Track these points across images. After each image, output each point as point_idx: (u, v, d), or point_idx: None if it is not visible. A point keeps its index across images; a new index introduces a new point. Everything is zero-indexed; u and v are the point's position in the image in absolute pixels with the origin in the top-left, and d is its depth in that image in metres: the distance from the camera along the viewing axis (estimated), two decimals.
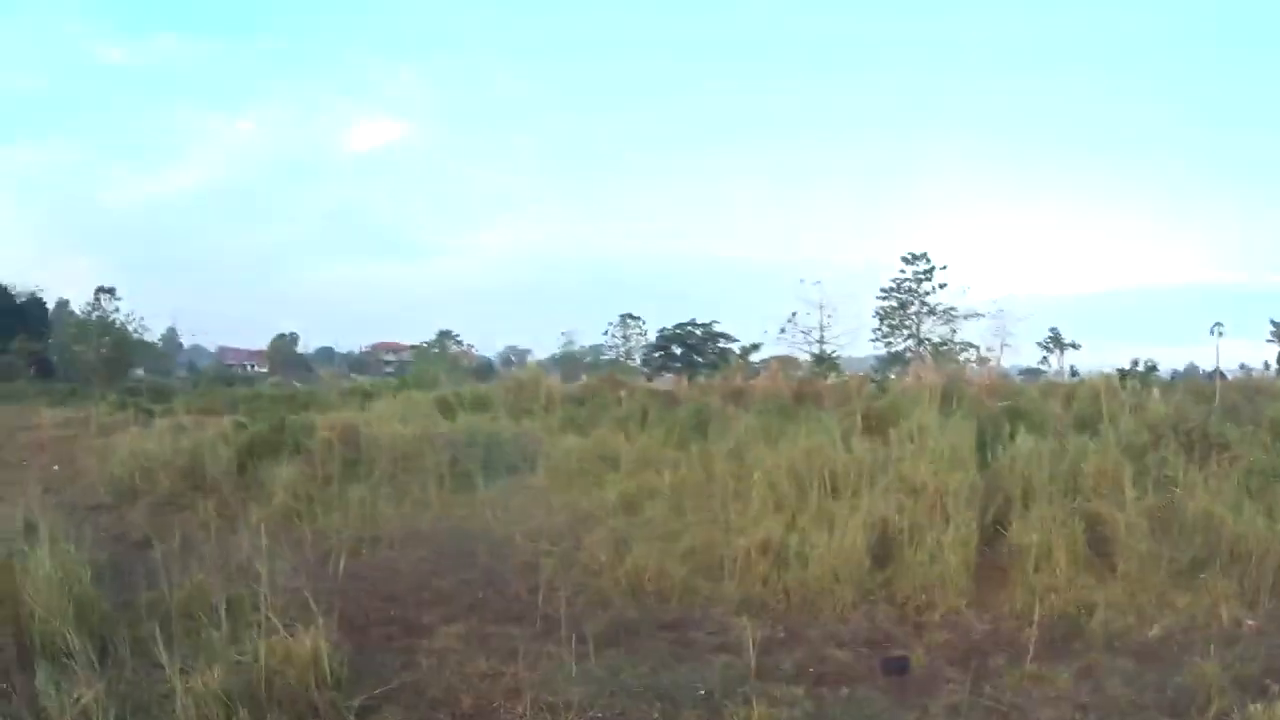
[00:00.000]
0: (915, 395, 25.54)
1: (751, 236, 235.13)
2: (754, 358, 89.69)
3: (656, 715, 9.20)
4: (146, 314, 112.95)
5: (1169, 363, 79.72)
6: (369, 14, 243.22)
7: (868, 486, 15.97)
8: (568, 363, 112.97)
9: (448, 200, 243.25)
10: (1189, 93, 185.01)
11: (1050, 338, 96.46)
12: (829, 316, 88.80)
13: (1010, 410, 24.19)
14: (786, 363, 59.35)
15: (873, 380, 43.61)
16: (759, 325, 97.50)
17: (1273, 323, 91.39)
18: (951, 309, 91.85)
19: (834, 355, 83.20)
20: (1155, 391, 28.79)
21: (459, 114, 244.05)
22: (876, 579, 13.46)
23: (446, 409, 31.67)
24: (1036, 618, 11.42)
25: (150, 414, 42.87)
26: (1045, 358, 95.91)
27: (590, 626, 11.45)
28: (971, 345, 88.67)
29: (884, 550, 14.05)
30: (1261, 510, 14.93)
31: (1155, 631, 11.93)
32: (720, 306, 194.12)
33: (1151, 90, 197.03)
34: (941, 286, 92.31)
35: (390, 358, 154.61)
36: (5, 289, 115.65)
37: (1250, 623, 12.32)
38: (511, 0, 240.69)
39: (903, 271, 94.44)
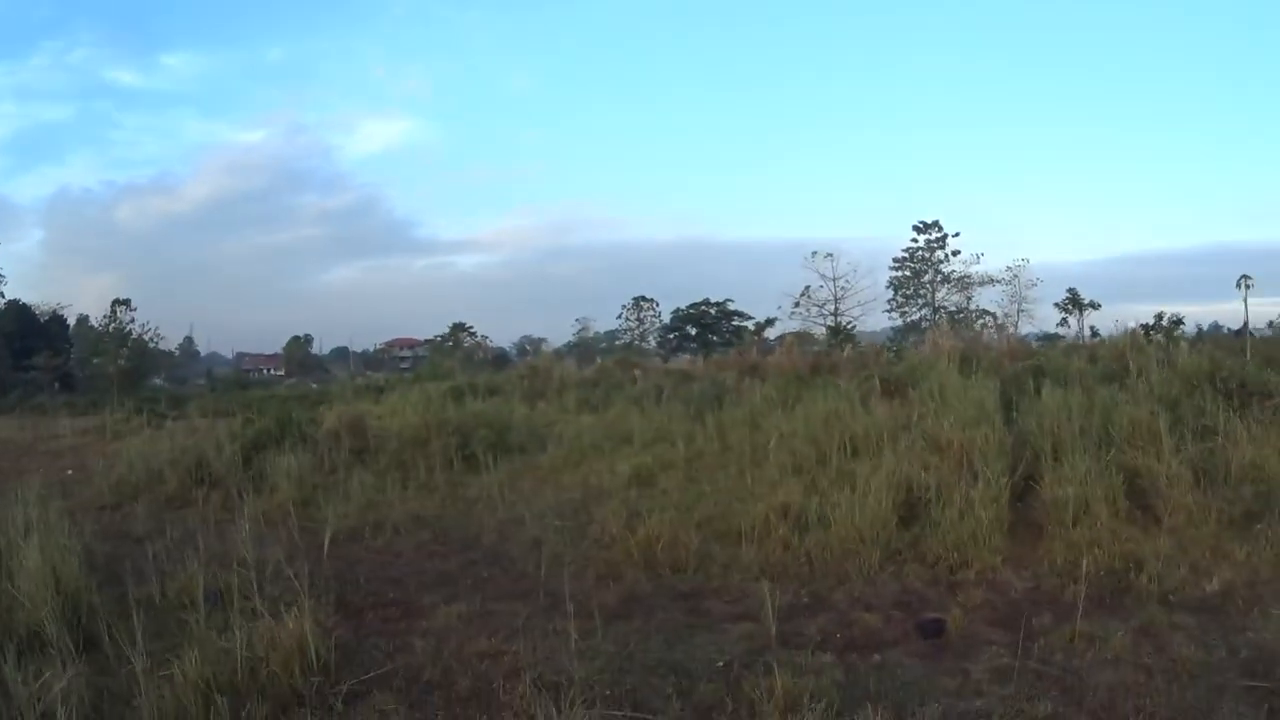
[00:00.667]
0: (934, 360, 24.83)
1: (763, 217, 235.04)
2: (769, 334, 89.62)
3: (669, 690, 8.54)
4: (163, 324, 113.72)
5: (1193, 321, 79.33)
6: (371, 15, 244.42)
7: (890, 447, 15.37)
8: (583, 349, 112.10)
9: (458, 195, 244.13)
10: (1201, 54, 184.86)
11: (1068, 299, 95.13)
12: (843, 289, 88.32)
13: (1033, 369, 23.28)
14: (802, 337, 58.95)
15: (890, 349, 42.95)
16: (774, 302, 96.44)
17: None
18: (966, 277, 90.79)
19: (850, 327, 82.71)
20: (1183, 345, 28.00)
21: (466, 110, 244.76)
22: (904, 538, 12.74)
23: (459, 397, 31.19)
24: (1083, 573, 10.64)
25: (164, 418, 42.69)
26: (1065, 319, 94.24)
27: (600, 600, 10.89)
28: (988, 313, 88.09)
29: (910, 509, 13.39)
30: None
31: (1214, 586, 11.12)
32: (734, 287, 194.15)
33: (1164, 50, 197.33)
34: (955, 254, 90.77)
35: (406, 354, 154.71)
36: (29, 308, 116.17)
37: None
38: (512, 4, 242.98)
39: (915, 240, 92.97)
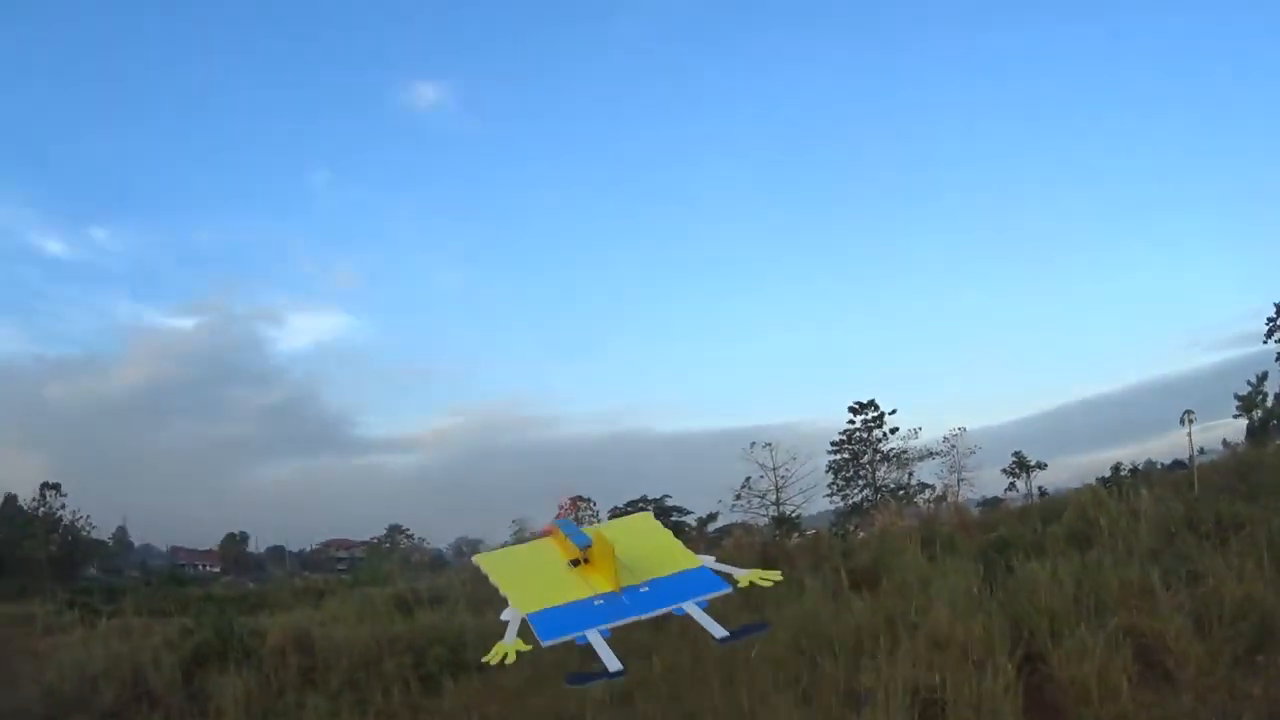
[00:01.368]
0: (898, 545, 24.35)
1: (693, 409, 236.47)
2: (711, 528, 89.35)
3: None
4: (95, 512, 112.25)
5: (1128, 461, 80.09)
6: (299, 203, 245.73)
7: (884, 648, 14.47)
8: None
9: (391, 392, 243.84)
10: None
11: (1015, 462, 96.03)
12: (783, 478, 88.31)
13: (999, 541, 23.33)
14: (747, 530, 58.48)
15: (837, 534, 42.32)
16: (712, 495, 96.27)
17: (1237, 397, 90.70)
18: (904, 452, 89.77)
19: (794, 515, 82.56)
20: (1144, 492, 27.86)
21: (396, 306, 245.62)
22: None
23: (403, 606, 30.38)
24: None
25: (98, 614, 41.45)
26: (1012, 483, 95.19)
27: None
28: (928, 486, 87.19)
29: (924, 714, 12.66)
30: None
31: None
32: (670, 481, 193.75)
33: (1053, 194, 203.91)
34: (892, 431, 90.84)
35: (343, 555, 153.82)
36: None
37: None
38: (439, 198, 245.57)
39: (851, 422, 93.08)
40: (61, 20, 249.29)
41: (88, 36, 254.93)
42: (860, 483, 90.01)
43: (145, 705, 18.84)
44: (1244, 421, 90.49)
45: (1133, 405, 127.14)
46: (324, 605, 36.60)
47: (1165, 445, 75.29)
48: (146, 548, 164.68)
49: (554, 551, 6.20)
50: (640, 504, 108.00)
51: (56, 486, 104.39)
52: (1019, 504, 63.26)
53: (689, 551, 6.29)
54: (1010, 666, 12.96)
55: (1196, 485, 32.13)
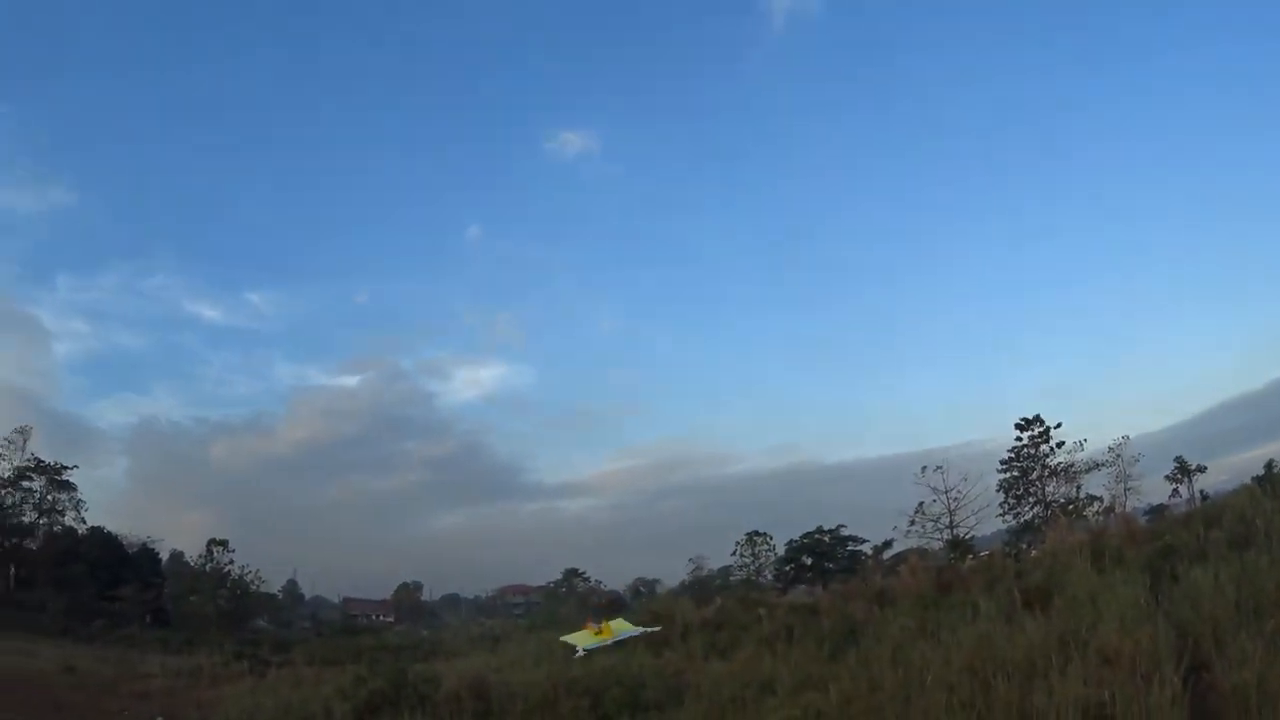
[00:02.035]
0: (1066, 560, 24.43)
1: (861, 437, 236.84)
2: (887, 555, 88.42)
3: None
4: (264, 565, 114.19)
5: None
6: (456, 259, 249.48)
7: (1056, 667, 14.26)
8: (699, 588, 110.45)
9: (559, 438, 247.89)
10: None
11: (1177, 468, 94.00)
12: (955, 500, 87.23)
13: (1165, 549, 22.92)
14: (922, 555, 57.75)
15: (1010, 554, 41.57)
16: (885, 522, 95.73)
17: None
18: (1071, 466, 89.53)
19: (968, 537, 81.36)
20: None
21: (558, 353, 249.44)
22: None
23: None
24: None
25: (267, 664, 41.66)
26: (1175, 489, 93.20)
27: None
28: (1096, 498, 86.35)
29: None
30: None
31: None
32: (843, 510, 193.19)
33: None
34: (1059, 446, 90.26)
35: (518, 600, 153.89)
36: (115, 538, 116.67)
37: None
38: (593, 244, 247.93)
39: (1019, 439, 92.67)
40: (213, 91, 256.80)
41: (238, 109, 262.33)
42: (1031, 500, 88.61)
43: None
44: None
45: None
46: (500, 650, 36.67)
47: None
48: (318, 599, 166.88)
49: (587, 633, 25.58)
50: (816, 535, 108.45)
51: (224, 543, 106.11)
52: (1183, 510, 61.95)
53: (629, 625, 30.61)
54: (1176, 678, 12.68)
55: None
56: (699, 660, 26.07)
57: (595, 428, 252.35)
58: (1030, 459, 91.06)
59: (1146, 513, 70.00)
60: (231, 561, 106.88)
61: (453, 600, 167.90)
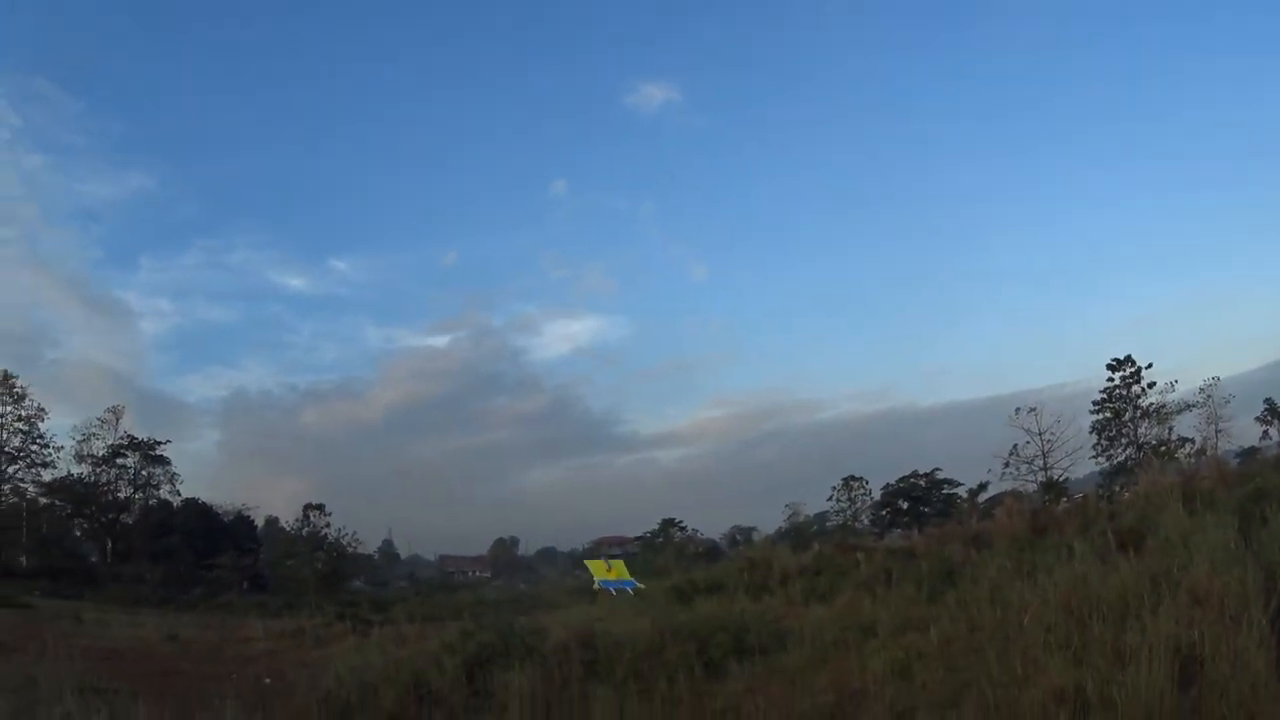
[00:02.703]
0: (1156, 502, 24.49)
1: (952, 379, 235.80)
2: (982, 498, 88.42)
3: None
4: (359, 527, 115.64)
5: None
6: (542, 215, 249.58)
7: (1149, 607, 14.59)
8: (796, 534, 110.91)
9: (652, 389, 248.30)
10: None
11: (1267, 410, 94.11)
12: (1049, 442, 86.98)
13: (1255, 492, 22.82)
14: (1017, 497, 57.95)
15: (1104, 496, 41.74)
16: (980, 465, 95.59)
17: None
18: (1162, 407, 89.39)
19: (1061, 480, 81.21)
20: None
21: (649, 304, 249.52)
22: (1184, 704, 11.96)
23: (682, 597, 30.72)
24: None
25: (369, 624, 42.38)
26: (1265, 431, 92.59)
27: None
28: (1187, 440, 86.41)
29: (1183, 671, 12.57)
30: None
31: None
32: (938, 454, 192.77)
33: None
34: (1150, 386, 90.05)
35: (615, 551, 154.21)
36: (210, 508, 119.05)
37: None
38: (680, 195, 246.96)
39: (1110, 380, 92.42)
40: (285, 61, 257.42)
41: (311, 77, 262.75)
42: (1123, 441, 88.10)
43: (427, 705, 19.09)
44: None
45: None
46: (599, 601, 37.19)
47: None
48: (414, 558, 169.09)
49: (603, 567, 32.64)
50: (912, 479, 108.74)
51: (320, 507, 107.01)
52: (1273, 453, 61.62)
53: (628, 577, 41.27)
54: (1263, 619, 12.83)
55: None
56: (799, 605, 26.51)
57: (688, 378, 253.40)
58: (1122, 400, 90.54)
59: (1237, 455, 69.55)
60: (328, 525, 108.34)
61: (549, 554, 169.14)
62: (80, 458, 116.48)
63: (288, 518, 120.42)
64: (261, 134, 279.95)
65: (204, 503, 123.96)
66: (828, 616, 22.96)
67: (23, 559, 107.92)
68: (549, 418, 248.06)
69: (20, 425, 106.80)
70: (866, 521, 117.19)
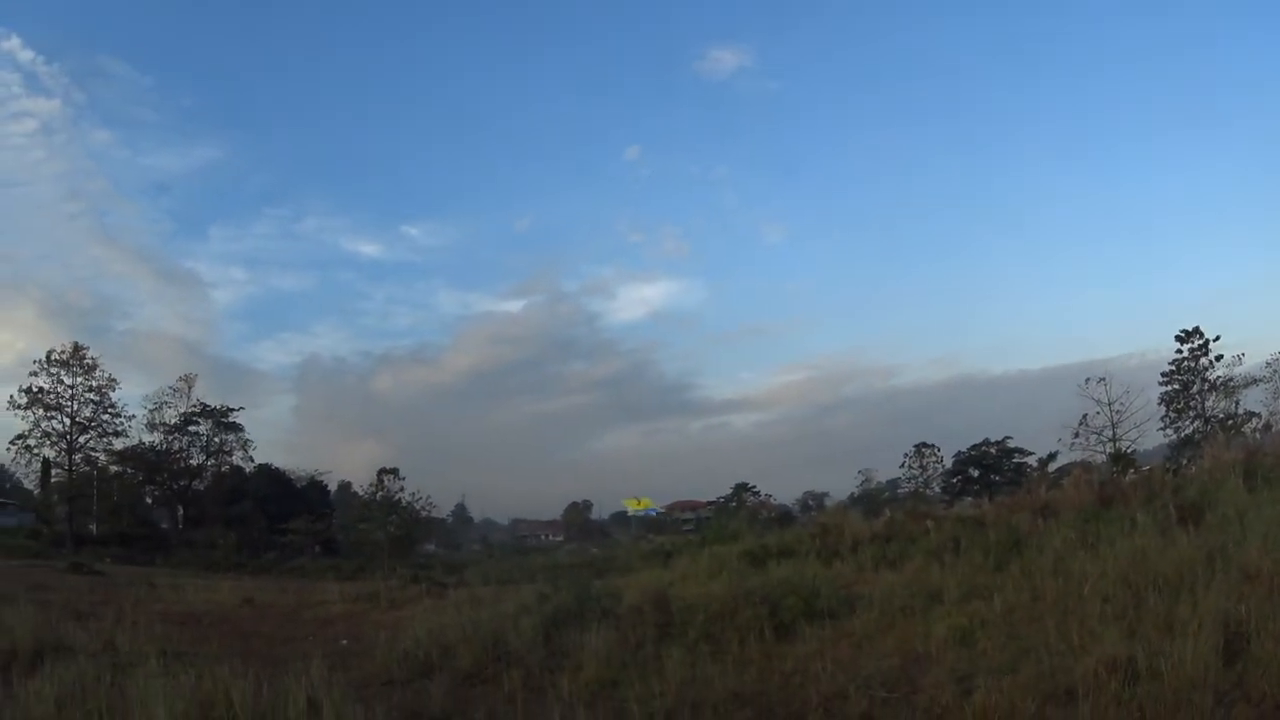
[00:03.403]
0: (1218, 477, 25.00)
1: (1024, 347, 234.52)
2: (1051, 467, 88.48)
3: None
4: (432, 491, 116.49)
5: None
6: (617, 179, 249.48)
7: (1202, 581, 15.04)
8: (868, 501, 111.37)
9: (725, 354, 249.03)
10: None
11: None
12: (1118, 413, 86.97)
13: None
14: (1085, 468, 58.06)
15: (1169, 469, 42.18)
16: (1049, 434, 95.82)
17: None
18: (1230, 380, 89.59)
19: (1130, 451, 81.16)
20: None
21: (723, 268, 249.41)
22: (1229, 678, 12.24)
23: (754, 561, 31.15)
24: None
25: (443, 587, 43.15)
26: None
27: None
28: (1254, 414, 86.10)
29: (1229, 646, 12.93)
30: None
31: None
32: (1008, 421, 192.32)
33: None
34: (1218, 359, 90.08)
35: (688, 516, 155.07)
36: (283, 473, 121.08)
37: None
38: (753, 159, 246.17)
39: (1179, 352, 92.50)
40: (366, 33, 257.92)
41: (392, 49, 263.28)
42: (1190, 414, 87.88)
43: (504, 665, 19.40)
44: None
45: None
46: (673, 565, 37.75)
47: None
48: (487, 522, 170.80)
49: (634, 502, 56.96)
50: (983, 447, 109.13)
51: (394, 471, 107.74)
52: None
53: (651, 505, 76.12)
54: None
55: None
56: (869, 571, 26.99)
57: (762, 341, 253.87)
58: (1190, 372, 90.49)
59: None
60: (402, 489, 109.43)
61: (622, 518, 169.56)
62: (152, 426, 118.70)
63: (361, 482, 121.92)
64: (331, 103, 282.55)
65: (277, 468, 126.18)
66: (896, 583, 23.23)
67: (93, 527, 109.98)
68: (623, 382, 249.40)
69: (91, 396, 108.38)
70: (937, 489, 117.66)
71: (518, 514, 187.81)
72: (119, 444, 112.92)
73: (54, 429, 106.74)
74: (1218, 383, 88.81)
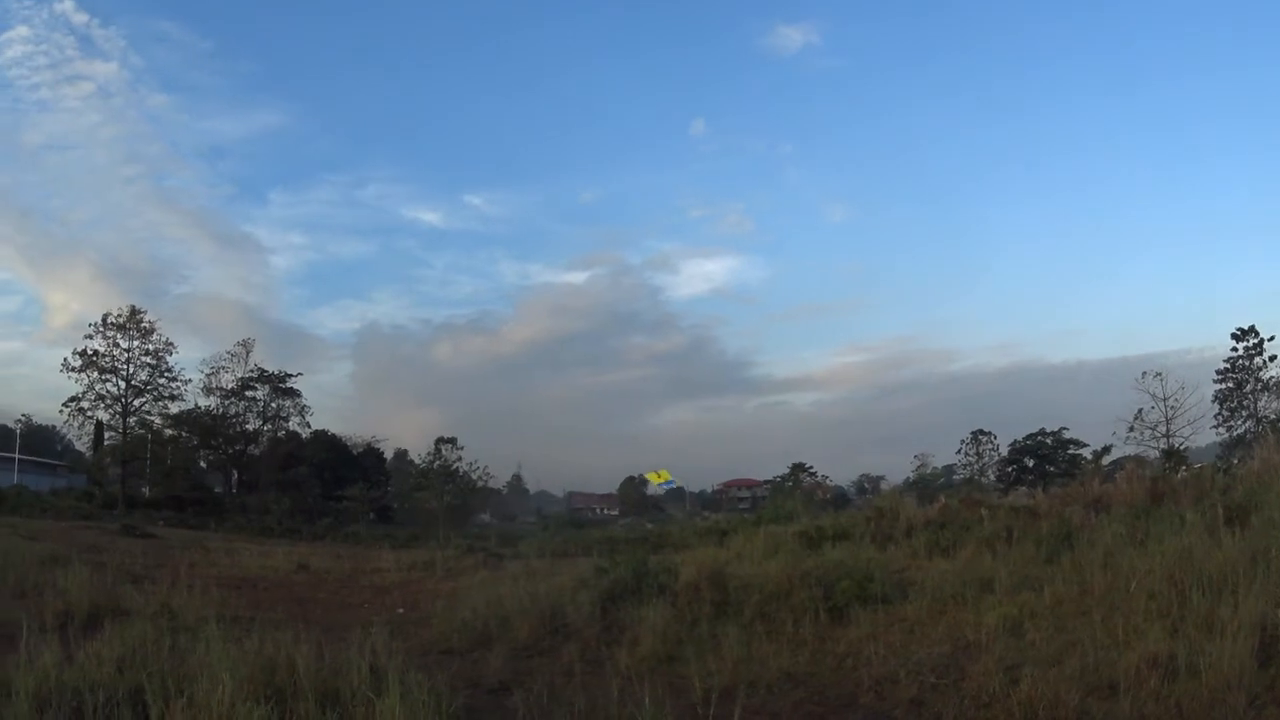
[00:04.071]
0: (1266, 479, 25.16)
1: (1084, 336, 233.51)
2: (1105, 460, 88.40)
3: None
4: (489, 461, 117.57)
5: None
6: (681, 154, 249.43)
7: (1245, 583, 15.25)
8: (922, 486, 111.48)
9: (787, 332, 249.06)
10: None
11: None
12: (1173, 409, 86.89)
13: None
14: (1139, 463, 58.14)
15: (1220, 469, 42.44)
16: (1105, 426, 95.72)
17: None
18: None
19: (1182, 448, 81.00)
20: None
21: (786, 246, 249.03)
22: (1262, 681, 12.58)
23: (809, 542, 31.45)
24: None
25: (499, 558, 43.74)
26: None
27: None
28: None
29: (1265, 649, 13.27)
30: None
31: None
32: (1064, 411, 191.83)
33: None
34: (1272, 359, 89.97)
35: (743, 494, 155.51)
36: (339, 440, 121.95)
37: None
38: (818, 137, 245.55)
39: (1234, 350, 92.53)
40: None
41: (454, 18, 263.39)
42: (1243, 413, 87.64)
43: (562, 637, 20.06)
44: None
45: None
46: (728, 543, 38.12)
47: None
48: (542, 494, 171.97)
49: (656, 476, 59.23)
50: (1039, 437, 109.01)
51: (453, 440, 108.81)
52: None
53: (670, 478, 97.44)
54: None
55: None
56: (922, 557, 27.28)
57: (824, 321, 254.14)
58: (1244, 371, 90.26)
59: None
60: (459, 458, 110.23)
61: (677, 494, 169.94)
62: (209, 390, 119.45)
63: (418, 450, 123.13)
64: (393, 70, 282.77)
65: (333, 434, 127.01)
66: (949, 570, 23.56)
67: (145, 490, 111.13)
68: (683, 357, 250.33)
69: (148, 359, 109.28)
70: (993, 477, 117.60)
71: (573, 487, 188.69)
72: (174, 408, 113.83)
73: (109, 392, 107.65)
74: (1270, 383, 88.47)
